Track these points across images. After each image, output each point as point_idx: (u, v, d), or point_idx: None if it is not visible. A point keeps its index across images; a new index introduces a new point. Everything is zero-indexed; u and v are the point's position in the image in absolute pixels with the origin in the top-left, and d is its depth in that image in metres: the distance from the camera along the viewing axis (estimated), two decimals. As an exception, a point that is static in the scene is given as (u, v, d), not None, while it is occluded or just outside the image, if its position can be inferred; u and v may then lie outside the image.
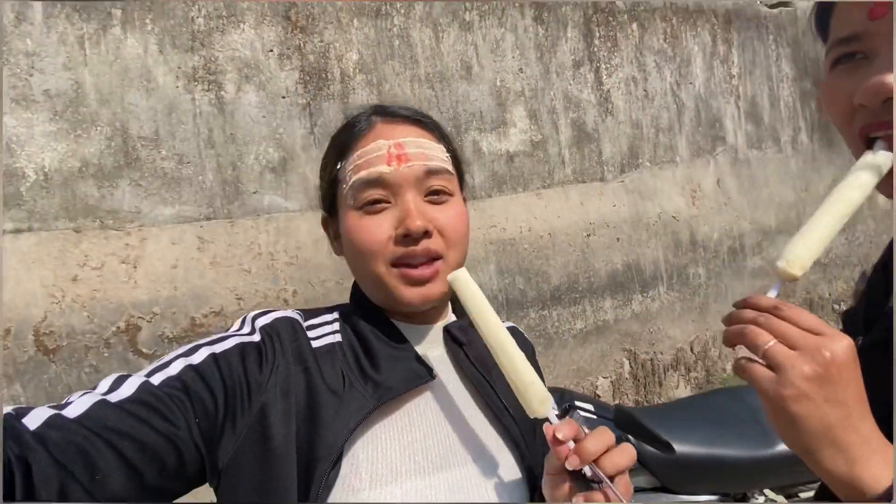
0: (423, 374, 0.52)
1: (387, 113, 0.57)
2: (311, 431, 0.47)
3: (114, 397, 0.42)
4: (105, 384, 0.44)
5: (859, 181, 0.41)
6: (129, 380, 0.44)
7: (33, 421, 0.37)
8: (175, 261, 1.71)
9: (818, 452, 0.35)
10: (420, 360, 0.54)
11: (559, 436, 0.43)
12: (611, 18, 2.88)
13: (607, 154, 2.84)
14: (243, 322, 0.54)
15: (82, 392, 0.43)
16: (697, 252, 3.10)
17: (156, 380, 0.45)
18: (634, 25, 2.99)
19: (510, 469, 0.52)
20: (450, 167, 0.57)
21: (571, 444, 0.42)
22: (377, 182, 0.52)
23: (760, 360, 0.37)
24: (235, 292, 1.80)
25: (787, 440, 0.37)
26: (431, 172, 0.54)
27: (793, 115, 3.90)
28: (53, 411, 0.39)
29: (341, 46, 2.09)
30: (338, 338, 0.55)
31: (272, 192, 1.92)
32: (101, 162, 1.64)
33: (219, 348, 0.49)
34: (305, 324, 0.55)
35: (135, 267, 1.65)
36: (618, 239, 2.77)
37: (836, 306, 4.11)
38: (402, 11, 2.23)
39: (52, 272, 1.54)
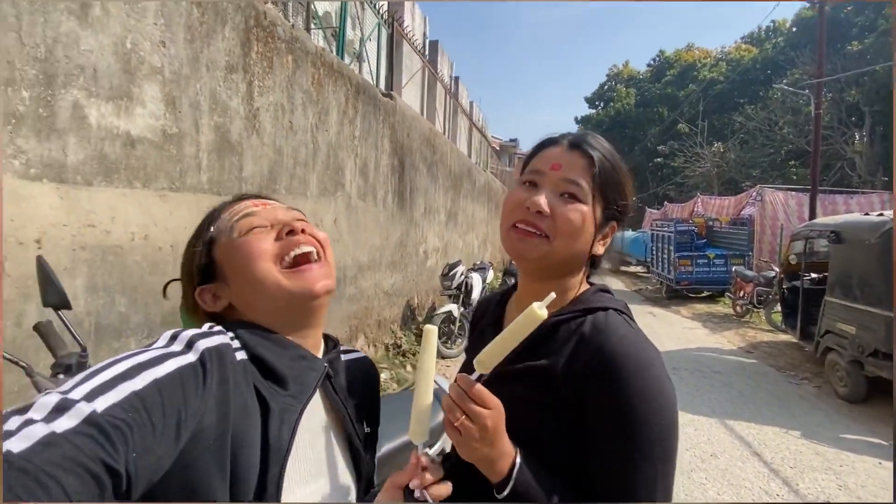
0: (312, 382, 0.61)
1: (244, 196, 0.69)
2: (248, 445, 0.52)
3: (59, 427, 0.39)
4: (44, 407, 0.41)
5: (525, 320, 0.59)
6: (75, 407, 0.41)
7: None
8: None
9: (481, 465, 0.61)
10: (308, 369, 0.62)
11: (423, 461, 0.59)
12: (270, 40, 2.87)
13: (248, 171, 2.72)
14: (174, 339, 0.53)
15: (20, 418, 0.39)
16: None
17: (99, 406, 0.42)
18: (290, 58, 3.09)
19: (350, 476, 0.67)
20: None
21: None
22: (253, 215, 0.64)
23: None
24: None
25: (466, 458, 0.61)
26: (292, 209, 0.68)
27: (386, 180, 5.07)
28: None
29: None
30: (244, 354, 0.58)
31: None
32: None
33: (160, 372, 0.48)
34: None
35: None
36: (247, 261, 2.65)
37: (393, 326, 5.51)
38: None
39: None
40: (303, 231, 0.64)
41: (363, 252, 4.54)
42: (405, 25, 7.33)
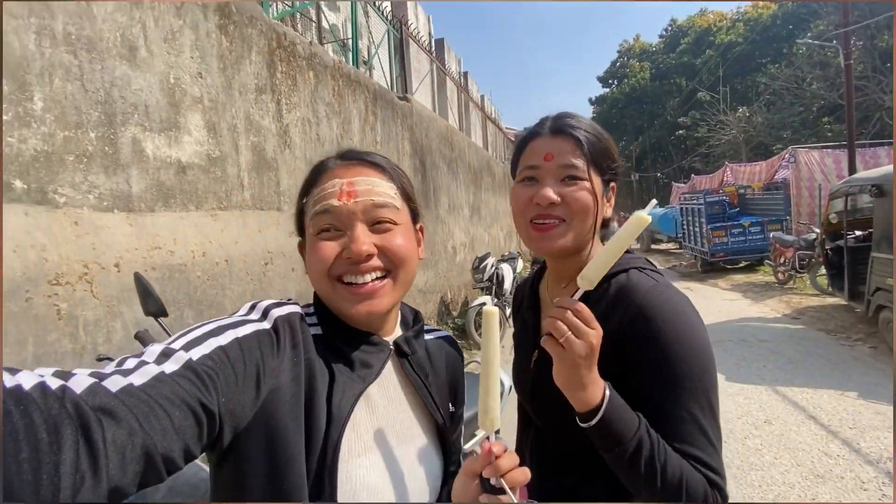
0: (378, 365, 0.64)
1: (346, 157, 0.67)
2: (316, 408, 0.56)
3: (167, 368, 0.47)
4: (153, 354, 0.49)
5: (630, 229, 0.62)
6: (176, 354, 0.49)
7: (113, 385, 0.42)
8: None
9: (574, 389, 0.63)
10: (371, 361, 0.64)
11: (495, 450, 0.55)
12: (292, 59, 3.02)
13: (284, 185, 2.88)
14: (253, 308, 0.61)
15: (136, 360, 0.47)
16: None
17: (194, 355, 0.50)
18: (311, 73, 3.24)
19: (433, 453, 0.68)
20: (397, 203, 0.65)
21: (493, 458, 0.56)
22: (327, 212, 0.61)
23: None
24: None
25: (561, 381, 0.63)
26: (378, 206, 0.62)
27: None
28: (125, 381, 0.43)
29: None
30: (320, 330, 0.63)
31: None
32: None
33: (241, 333, 0.55)
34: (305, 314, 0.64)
35: None
36: (293, 269, 2.82)
37: (430, 322, 5.63)
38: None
39: None
40: (369, 256, 0.60)
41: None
42: (411, 26, 7.43)
